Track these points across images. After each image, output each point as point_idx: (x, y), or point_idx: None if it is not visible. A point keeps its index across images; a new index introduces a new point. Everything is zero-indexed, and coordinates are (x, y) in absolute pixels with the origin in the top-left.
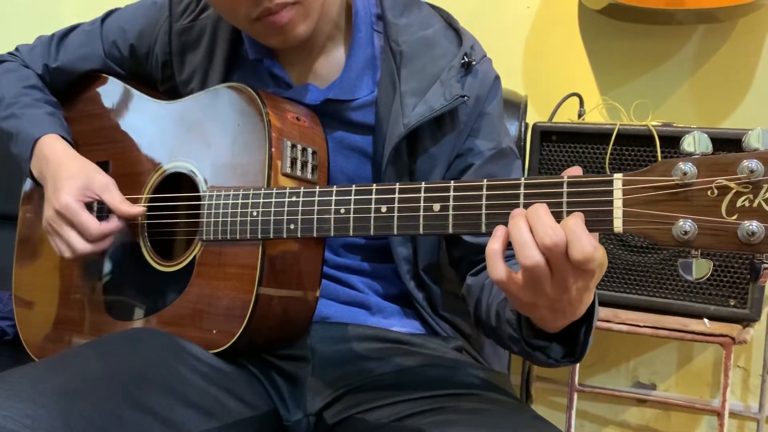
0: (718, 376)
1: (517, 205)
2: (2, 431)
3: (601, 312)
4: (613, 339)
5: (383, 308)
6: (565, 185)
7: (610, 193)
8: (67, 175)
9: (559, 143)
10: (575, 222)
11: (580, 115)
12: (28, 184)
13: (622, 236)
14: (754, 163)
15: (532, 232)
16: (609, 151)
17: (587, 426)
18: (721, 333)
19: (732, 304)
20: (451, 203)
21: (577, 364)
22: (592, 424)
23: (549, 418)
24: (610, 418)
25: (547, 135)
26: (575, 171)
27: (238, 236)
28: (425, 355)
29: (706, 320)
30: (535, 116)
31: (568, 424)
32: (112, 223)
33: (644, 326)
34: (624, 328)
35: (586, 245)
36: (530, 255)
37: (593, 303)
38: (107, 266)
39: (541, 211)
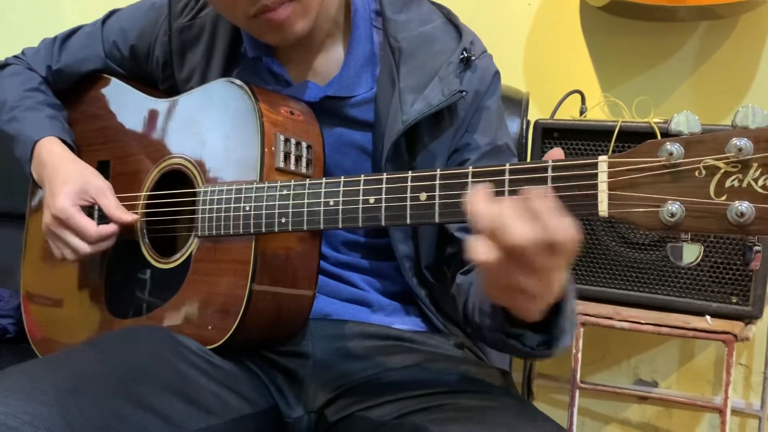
0: (720, 373)
1: (502, 192)
2: (3, 428)
3: (603, 309)
4: (614, 336)
5: (384, 306)
6: (549, 169)
7: (595, 176)
8: (64, 179)
9: (561, 140)
10: (545, 207)
11: (581, 113)
12: (37, 187)
13: (623, 233)
14: (742, 142)
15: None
16: (611, 149)
17: (589, 423)
18: (723, 330)
19: (734, 301)
20: (438, 192)
21: (579, 362)
22: (594, 421)
23: (550, 416)
24: (611, 415)
25: (548, 132)
26: (557, 153)
27: (231, 231)
28: (427, 352)
29: (708, 317)
30: (536, 113)
31: (570, 422)
32: (111, 226)
33: (646, 323)
34: (626, 325)
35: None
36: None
37: (566, 293)
38: (109, 265)
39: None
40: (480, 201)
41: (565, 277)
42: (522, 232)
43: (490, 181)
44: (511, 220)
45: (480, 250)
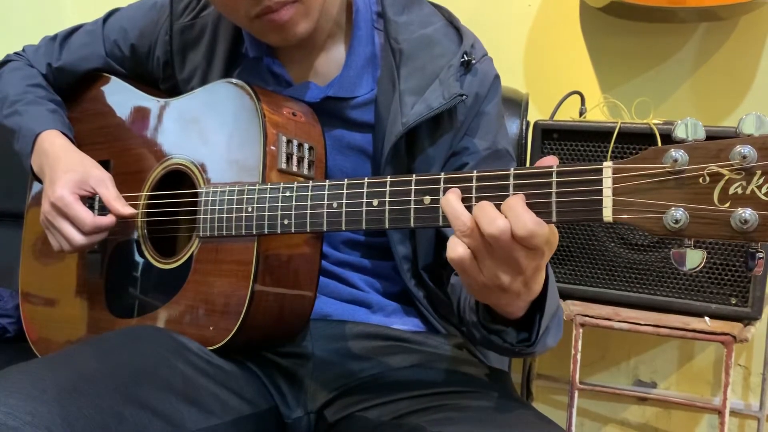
0: (719, 374)
1: (506, 196)
2: (3, 428)
3: (602, 310)
4: (613, 337)
5: (384, 306)
6: (554, 175)
7: (600, 181)
8: (64, 168)
9: (561, 141)
10: (515, 202)
11: (581, 113)
12: (35, 185)
13: (623, 234)
14: (746, 149)
15: (478, 225)
16: (610, 150)
17: (588, 424)
18: (722, 331)
19: (733, 302)
20: (442, 196)
21: (578, 363)
22: (593, 422)
23: (549, 416)
24: (610, 416)
25: (548, 133)
26: (551, 160)
27: (233, 232)
28: (426, 352)
29: (707, 318)
30: (536, 114)
31: (569, 423)
32: (108, 218)
33: (645, 324)
34: (625, 326)
35: (528, 222)
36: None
37: (546, 290)
38: (109, 264)
39: (485, 205)
40: (455, 201)
41: (544, 275)
42: (496, 223)
43: (494, 185)
44: (485, 214)
45: (452, 245)
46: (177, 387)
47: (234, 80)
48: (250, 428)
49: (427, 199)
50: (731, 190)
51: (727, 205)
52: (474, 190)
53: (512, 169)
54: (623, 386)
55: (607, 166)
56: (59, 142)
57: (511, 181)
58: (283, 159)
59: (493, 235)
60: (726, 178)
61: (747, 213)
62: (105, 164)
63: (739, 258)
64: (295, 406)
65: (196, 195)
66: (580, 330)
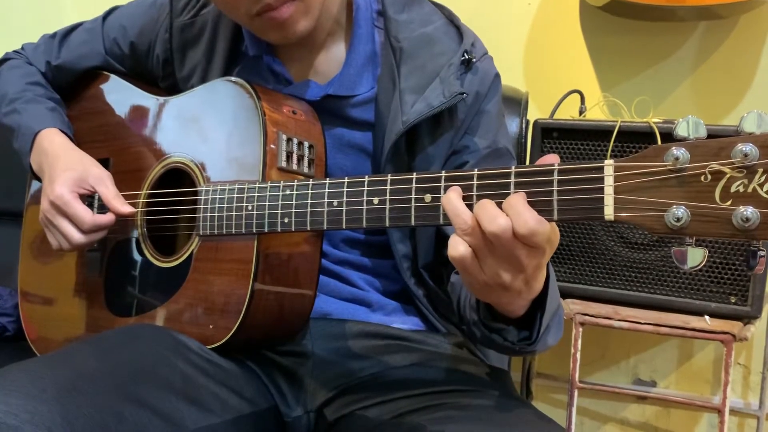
0: (719, 373)
1: (507, 194)
2: (3, 427)
3: (602, 309)
4: (613, 336)
5: (384, 305)
6: (555, 173)
7: (601, 180)
8: (64, 167)
9: (561, 140)
10: (516, 200)
11: (581, 112)
12: (35, 183)
13: (622, 232)
14: (748, 147)
15: (479, 223)
16: (610, 148)
17: (587, 423)
18: (721, 330)
19: (733, 301)
20: (442, 194)
21: (578, 362)
22: (593, 421)
23: (549, 415)
24: (610, 415)
25: (548, 132)
26: (552, 159)
27: (233, 231)
28: (426, 351)
29: (707, 317)
30: (536, 113)
31: (569, 421)
32: (107, 216)
33: (645, 323)
34: (625, 325)
35: (529, 220)
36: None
37: (547, 289)
38: (108, 263)
39: (486, 204)
40: (456, 199)
41: (545, 273)
42: (497, 221)
43: (495, 183)
44: (486, 212)
45: (453, 244)
46: (176, 386)
47: (234, 78)
48: (250, 427)
49: (427, 197)
50: (733, 188)
51: (729, 203)
52: (475, 189)
53: (513, 167)
54: (623, 385)
55: (609, 164)
56: (58, 141)
57: (512, 180)
58: (283, 157)
59: (495, 233)
60: (727, 176)
61: (749, 211)
62: (104, 162)
63: (738, 257)
64: (294, 404)
65: (195, 193)
66: (580, 329)
